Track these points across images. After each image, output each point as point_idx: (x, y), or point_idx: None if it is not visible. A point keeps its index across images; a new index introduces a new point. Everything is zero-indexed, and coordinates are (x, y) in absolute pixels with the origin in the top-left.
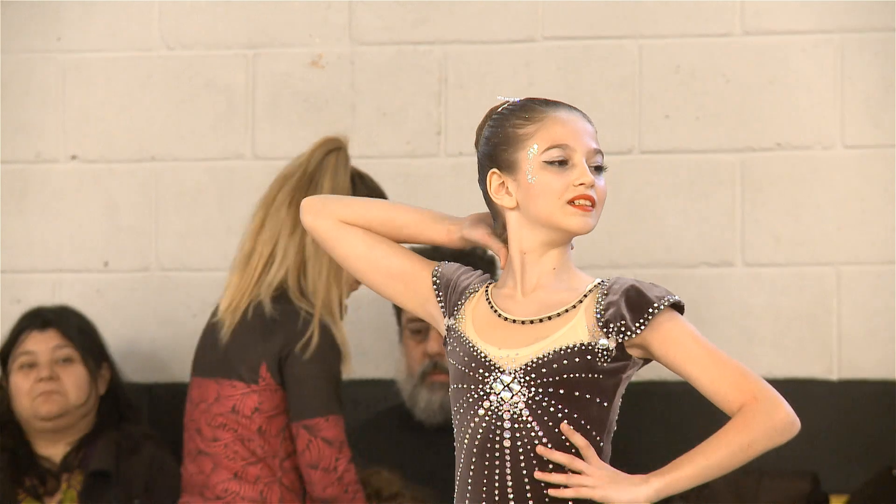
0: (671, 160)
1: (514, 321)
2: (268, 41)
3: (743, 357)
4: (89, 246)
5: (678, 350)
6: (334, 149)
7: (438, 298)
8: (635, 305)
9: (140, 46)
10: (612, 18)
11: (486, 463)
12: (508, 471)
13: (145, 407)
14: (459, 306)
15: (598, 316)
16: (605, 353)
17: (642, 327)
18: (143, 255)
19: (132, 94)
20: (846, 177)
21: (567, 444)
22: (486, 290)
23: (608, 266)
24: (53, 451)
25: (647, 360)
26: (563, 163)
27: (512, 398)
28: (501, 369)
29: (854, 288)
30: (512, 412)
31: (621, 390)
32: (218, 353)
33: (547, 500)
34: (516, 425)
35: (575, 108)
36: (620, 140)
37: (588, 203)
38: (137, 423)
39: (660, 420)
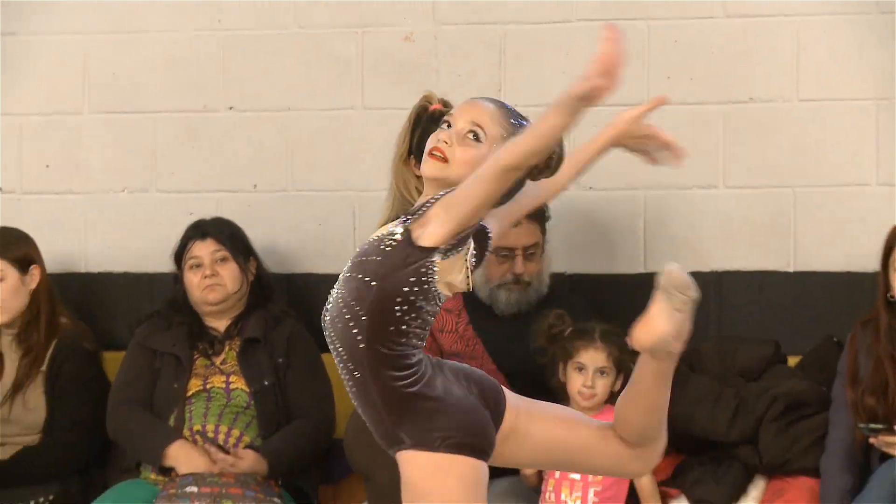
0: (672, 110)
1: None
2: (373, 22)
3: (722, 254)
4: (242, 173)
5: None
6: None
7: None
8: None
9: (279, 26)
10: (627, 4)
11: None
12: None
13: (285, 292)
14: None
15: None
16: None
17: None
18: (282, 179)
19: (275, 61)
20: (802, 123)
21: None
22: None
23: (626, 188)
24: (218, 324)
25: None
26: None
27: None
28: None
29: (807, 204)
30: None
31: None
32: None
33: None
34: None
35: (478, 98)
36: (633, 96)
37: (436, 153)
38: (278, 302)
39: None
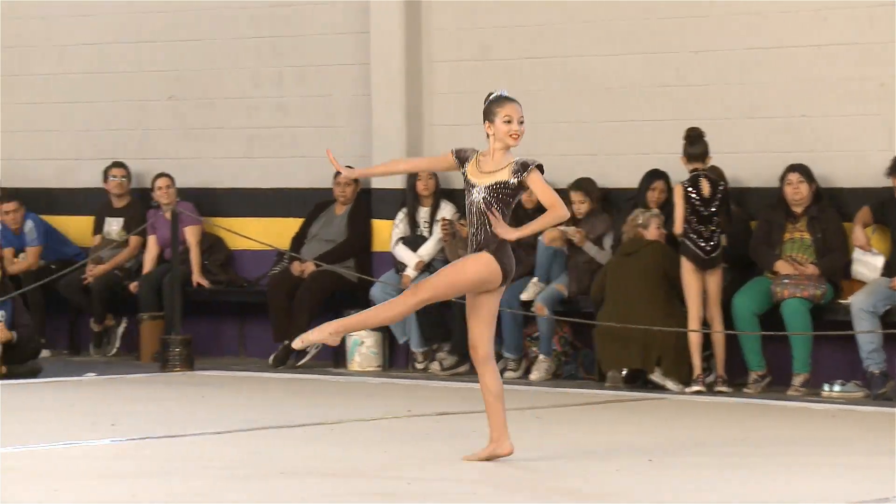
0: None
1: (484, 172)
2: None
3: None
4: None
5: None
6: None
7: (461, 167)
8: (523, 166)
9: None
10: None
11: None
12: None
13: None
14: (466, 165)
15: (512, 171)
16: (510, 185)
17: (523, 173)
18: None
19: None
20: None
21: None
22: (476, 158)
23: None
24: None
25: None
26: (508, 121)
27: (480, 197)
28: (477, 186)
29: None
30: (477, 203)
31: (514, 203)
32: None
33: (487, 229)
34: (483, 207)
35: (512, 99)
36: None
37: (515, 136)
38: None
39: None
